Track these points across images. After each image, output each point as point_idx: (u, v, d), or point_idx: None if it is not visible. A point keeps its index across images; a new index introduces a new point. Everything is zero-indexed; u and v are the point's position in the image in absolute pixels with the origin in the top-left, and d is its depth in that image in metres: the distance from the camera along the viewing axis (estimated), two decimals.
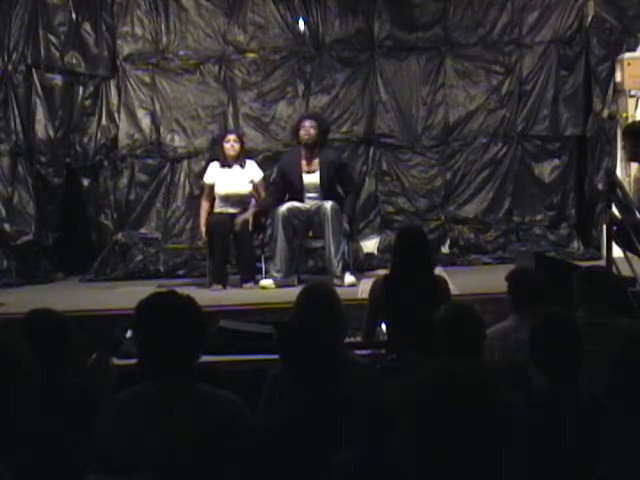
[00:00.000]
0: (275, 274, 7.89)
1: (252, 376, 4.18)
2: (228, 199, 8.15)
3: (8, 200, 9.12)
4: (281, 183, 8.20)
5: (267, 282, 7.88)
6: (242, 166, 8.20)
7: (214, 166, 8.26)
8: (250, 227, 8.05)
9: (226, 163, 8.17)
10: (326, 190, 7.95)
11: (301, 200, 7.97)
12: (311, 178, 7.98)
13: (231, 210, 8.13)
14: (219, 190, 8.17)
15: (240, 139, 8.29)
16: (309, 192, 7.99)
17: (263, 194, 8.25)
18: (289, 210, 7.89)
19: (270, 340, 5.90)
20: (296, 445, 3.37)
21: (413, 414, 2.06)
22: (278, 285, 7.78)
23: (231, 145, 8.14)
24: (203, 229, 8.21)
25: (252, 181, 8.20)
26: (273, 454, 3.24)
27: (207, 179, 8.27)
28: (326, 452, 2.95)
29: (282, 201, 8.00)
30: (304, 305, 4.01)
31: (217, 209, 8.24)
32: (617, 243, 6.65)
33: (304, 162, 7.98)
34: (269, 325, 6.12)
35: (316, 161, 7.98)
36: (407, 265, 5.15)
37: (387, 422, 2.91)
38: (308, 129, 7.95)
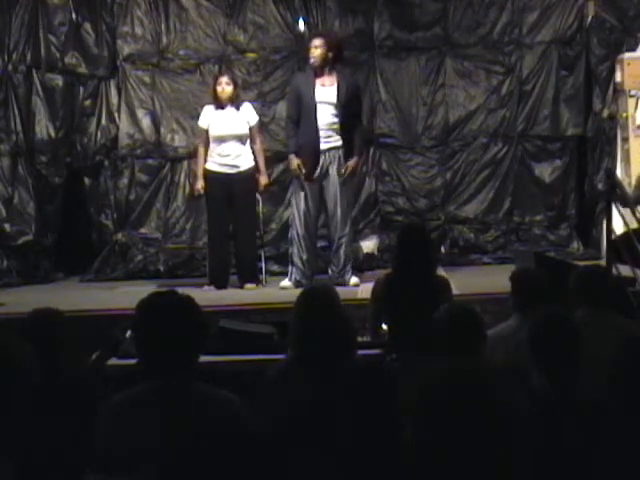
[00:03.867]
0: (300, 277, 7.76)
1: (252, 376, 4.19)
2: (223, 141, 7.91)
3: (8, 200, 9.12)
4: (297, 112, 7.74)
5: (287, 283, 7.79)
6: (237, 108, 8.00)
7: (208, 109, 8.07)
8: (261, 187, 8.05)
9: (219, 105, 7.98)
10: (342, 109, 7.62)
11: (315, 122, 7.59)
12: (326, 93, 7.64)
13: (227, 170, 7.90)
14: (213, 132, 7.95)
15: (233, 81, 8.10)
16: (324, 112, 7.61)
17: (259, 139, 8.08)
18: (307, 208, 7.73)
19: (270, 340, 5.91)
20: (295, 445, 3.37)
21: (415, 415, 2.06)
22: (298, 286, 7.56)
23: (222, 88, 7.97)
24: (199, 184, 8.01)
25: (248, 122, 8.00)
26: (273, 454, 3.24)
27: (201, 123, 8.07)
28: (325, 452, 2.95)
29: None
30: (304, 306, 4.01)
31: (212, 165, 7.97)
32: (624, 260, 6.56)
33: (318, 80, 7.67)
34: (269, 325, 6.12)
35: (331, 78, 7.69)
36: (407, 264, 5.14)
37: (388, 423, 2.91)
38: (313, 50, 7.69)
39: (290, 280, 7.82)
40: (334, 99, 7.64)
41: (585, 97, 9.43)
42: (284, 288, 7.71)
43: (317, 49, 7.67)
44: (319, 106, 7.63)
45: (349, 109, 7.71)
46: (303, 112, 7.69)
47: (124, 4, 9.52)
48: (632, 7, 9.15)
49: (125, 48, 9.56)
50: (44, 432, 3.22)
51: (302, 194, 7.75)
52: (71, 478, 3.06)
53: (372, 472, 2.77)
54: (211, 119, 8.01)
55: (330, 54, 7.67)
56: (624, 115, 8.81)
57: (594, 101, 9.30)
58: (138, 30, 9.56)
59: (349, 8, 9.52)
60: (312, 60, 7.71)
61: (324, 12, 9.51)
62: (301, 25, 9.50)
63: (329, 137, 7.67)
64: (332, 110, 7.64)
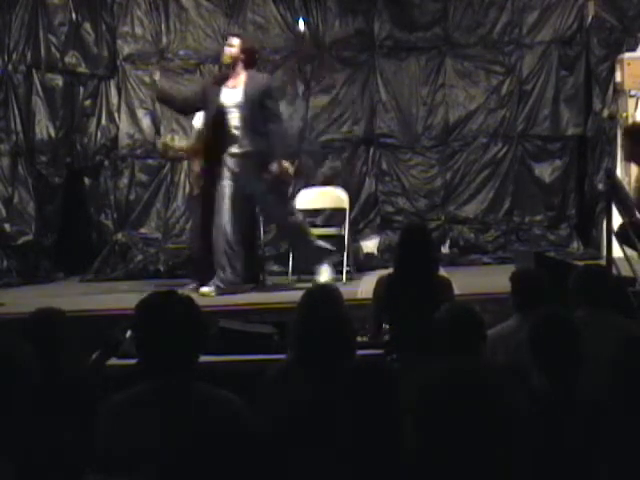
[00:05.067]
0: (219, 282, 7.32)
1: (252, 376, 4.18)
2: None
3: (8, 200, 9.12)
4: (194, 93, 7.64)
5: (208, 289, 7.30)
6: None
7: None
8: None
9: None
10: (249, 112, 7.26)
11: (223, 120, 7.32)
12: (232, 94, 7.33)
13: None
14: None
15: None
16: (229, 112, 7.31)
17: None
18: (235, 193, 7.31)
19: (270, 340, 5.91)
20: (295, 445, 3.37)
21: (415, 415, 2.06)
22: (221, 292, 7.24)
23: None
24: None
25: None
26: (273, 454, 3.24)
27: (195, 122, 7.97)
28: (326, 452, 2.95)
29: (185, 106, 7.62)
30: (306, 306, 4.01)
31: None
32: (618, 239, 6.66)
33: (229, 81, 7.41)
34: (269, 325, 6.12)
35: (242, 79, 7.38)
36: (409, 264, 5.14)
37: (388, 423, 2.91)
38: (227, 47, 7.49)
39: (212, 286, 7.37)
40: (238, 102, 7.32)
41: (585, 97, 9.43)
42: (204, 294, 7.20)
43: (231, 48, 7.46)
44: (225, 110, 7.34)
45: (257, 112, 7.31)
46: (209, 115, 7.45)
47: (124, 4, 9.53)
48: (632, 7, 9.16)
49: (125, 48, 9.57)
50: (44, 432, 3.21)
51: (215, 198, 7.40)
52: (71, 478, 3.06)
53: (372, 472, 2.77)
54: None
55: (242, 56, 7.41)
56: (624, 115, 8.82)
57: (594, 101, 9.31)
58: (138, 30, 9.57)
59: (349, 8, 9.52)
60: (223, 57, 7.57)
61: (324, 12, 9.52)
62: (301, 25, 9.50)
63: (235, 141, 7.35)
64: (237, 113, 7.33)
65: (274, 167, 7.29)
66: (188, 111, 7.89)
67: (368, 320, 5.43)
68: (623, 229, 6.66)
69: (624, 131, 7.62)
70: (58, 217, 9.38)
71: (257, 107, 7.32)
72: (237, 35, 7.78)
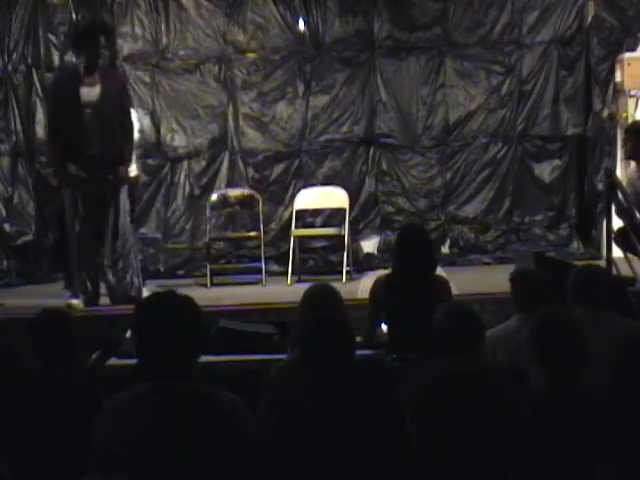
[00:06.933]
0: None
1: (252, 376, 4.19)
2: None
3: (8, 200, 9.13)
4: (61, 112, 6.91)
5: (75, 301, 7.05)
6: None
7: None
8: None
9: None
10: (107, 111, 6.83)
11: (80, 121, 6.79)
12: (91, 92, 6.80)
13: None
14: None
15: None
16: (87, 113, 6.79)
17: None
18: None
19: (270, 340, 5.91)
20: (296, 445, 3.37)
21: (415, 415, 2.06)
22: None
23: None
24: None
25: None
26: (273, 454, 3.24)
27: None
28: (326, 452, 2.95)
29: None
30: (307, 306, 4.02)
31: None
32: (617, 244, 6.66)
33: (85, 75, 6.85)
34: (269, 325, 6.12)
35: (97, 75, 6.86)
36: (407, 264, 5.15)
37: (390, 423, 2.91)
38: (102, 49, 6.96)
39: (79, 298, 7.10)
40: (98, 99, 6.85)
41: (585, 97, 9.43)
42: (70, 306, 6.89)
43: (104, 49, 7.05)
44: (84, 108, 6.83)
45: (115, 109, 6.93)
46: (68, 115, 6.87)
47: (124, 4, 9.52)
48: (632, 7, 9.15)
49: (125, 48, 9.56)
50: (44, 432, 3.21)
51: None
52: (71, 478, 3.06)
53: (373, 472, 2.77)
54: None
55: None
56: (624, 115, 8.82)
57: (594, 101, 9.31)
58: (138, 30, 9.56)
59: (349, 8, 9.52)
60: (101, 60, 6.97)
61: (324, 12, 9.51)
62: (301, 25, 9.50)
63: (97, 141, 6.87)
64: (97, 111, 6.85)
65: (122, 170, 7.04)
66: None
67: (365, 319, 5.43)
68: (622, 233, 6.65)
69: (626, 129, 7.61)
70: (58, 217, 9.37)
71: (116, 106, 6.93)
72: (110, 33, 7.48)
